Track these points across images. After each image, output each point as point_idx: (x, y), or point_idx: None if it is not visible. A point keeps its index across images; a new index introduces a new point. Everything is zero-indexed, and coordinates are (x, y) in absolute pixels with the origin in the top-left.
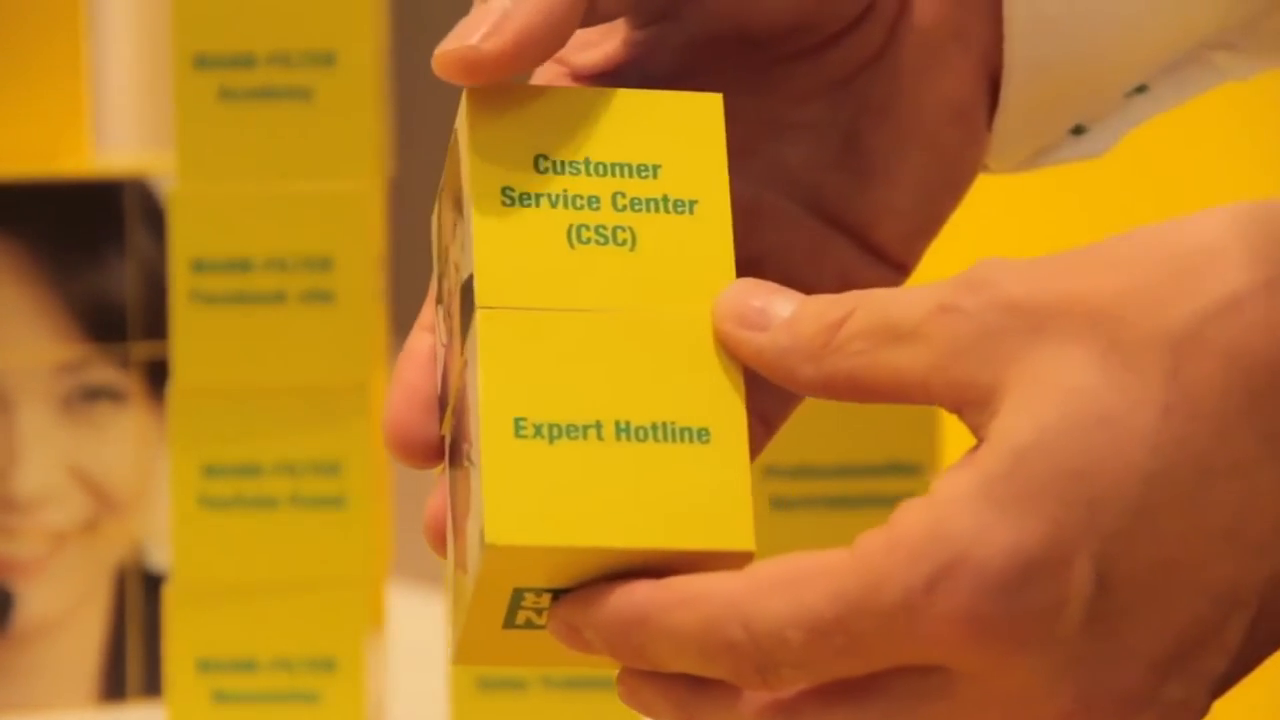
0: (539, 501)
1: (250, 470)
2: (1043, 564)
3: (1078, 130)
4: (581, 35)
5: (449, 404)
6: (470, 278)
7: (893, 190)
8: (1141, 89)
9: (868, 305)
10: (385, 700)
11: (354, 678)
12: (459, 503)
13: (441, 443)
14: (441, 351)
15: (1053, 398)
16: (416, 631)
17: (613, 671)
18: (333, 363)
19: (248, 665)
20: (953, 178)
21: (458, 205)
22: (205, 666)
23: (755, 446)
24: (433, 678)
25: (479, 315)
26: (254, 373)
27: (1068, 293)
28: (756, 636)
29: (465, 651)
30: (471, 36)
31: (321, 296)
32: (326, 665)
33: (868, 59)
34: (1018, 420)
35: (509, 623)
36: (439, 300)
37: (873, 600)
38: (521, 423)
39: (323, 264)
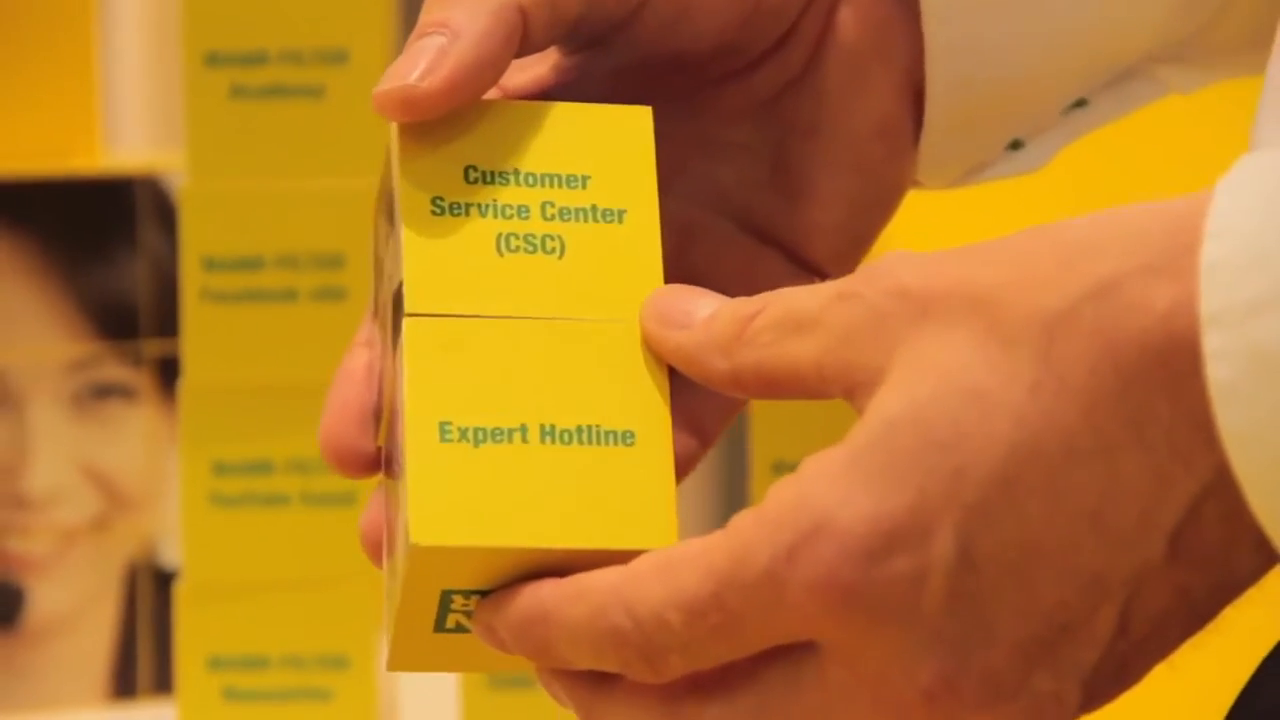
0: (463, 503)
1: (261, 467)
2: (906, 532)
3: (1015, 145)
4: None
5: (384, 415)
6: (400, 286)
7: (821, 208)
8: (1081, 103)
9: (778, 300)
10: (397, 697)
11: (365, 675)
12: (393, 511)
13: (378, 454)
14: (378, 364)
15: (928, 376)
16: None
17: None
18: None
19: (259, 662)
20: (880, 195)
21: (390, 216)
22: (216, 664)
23: (690, 458)
24: (444, 675)
25: (406, 322)
26: (265, 370)
27: (955, 279)
28: (640, 621)
29: (398, 656)
30: (408, 75)
31: (333, 294)
32: (338, 662)
33: (792, 79)
34: (891, 396)
35: (439, 626)
36: (375, 313)
37: (740, 573)
38: (447, 427)
39: (334, 261)
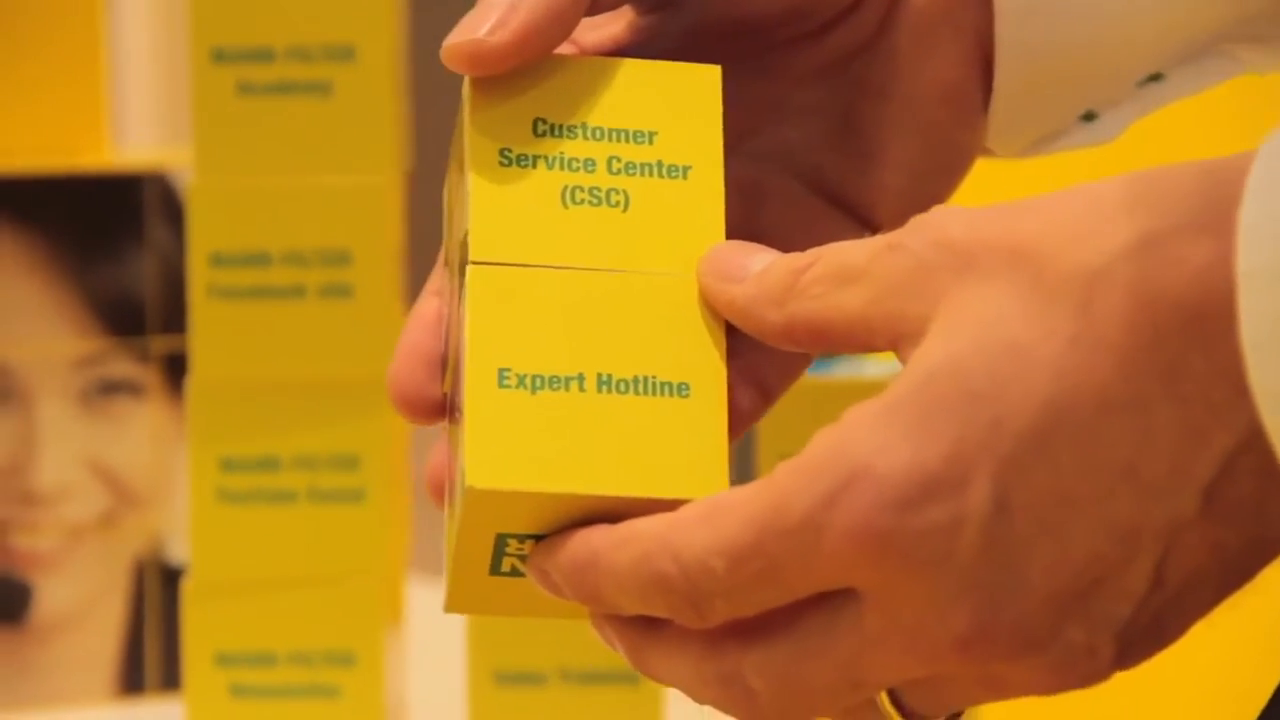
0: (519, 449)
1: (269, 464)
2: (942, 481)
3: (1088, 116)
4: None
5: (450, 362)
6: (466, 234)
7: (888, 170)
8: (1156, 77)
9: (829, 253)
10: (404, 694)
11: (373, 671)
12: (453, 456)
13: (443, 400)
14: (446, 312)
15: (969, 327)
16: (435, 625)
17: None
18: (351, 356)
19: (266, 659)
20: (947, 160)
21: (460, 165)
22: (224, 660)
23: (753, 412)
24: (452, 671)
25: (470, 270)
26: (272, 367)
27: (999, 232)
28: (685, 567)
29: (455, 598)
30: (478, 30)
31: (340, 290)
32: (345, 659)
33: (863, 43)
34: (933, 346)
35: (495, 569)
36: (445, 263)
37: (780, 520)
38: (505, 373)
39: (341, 258)
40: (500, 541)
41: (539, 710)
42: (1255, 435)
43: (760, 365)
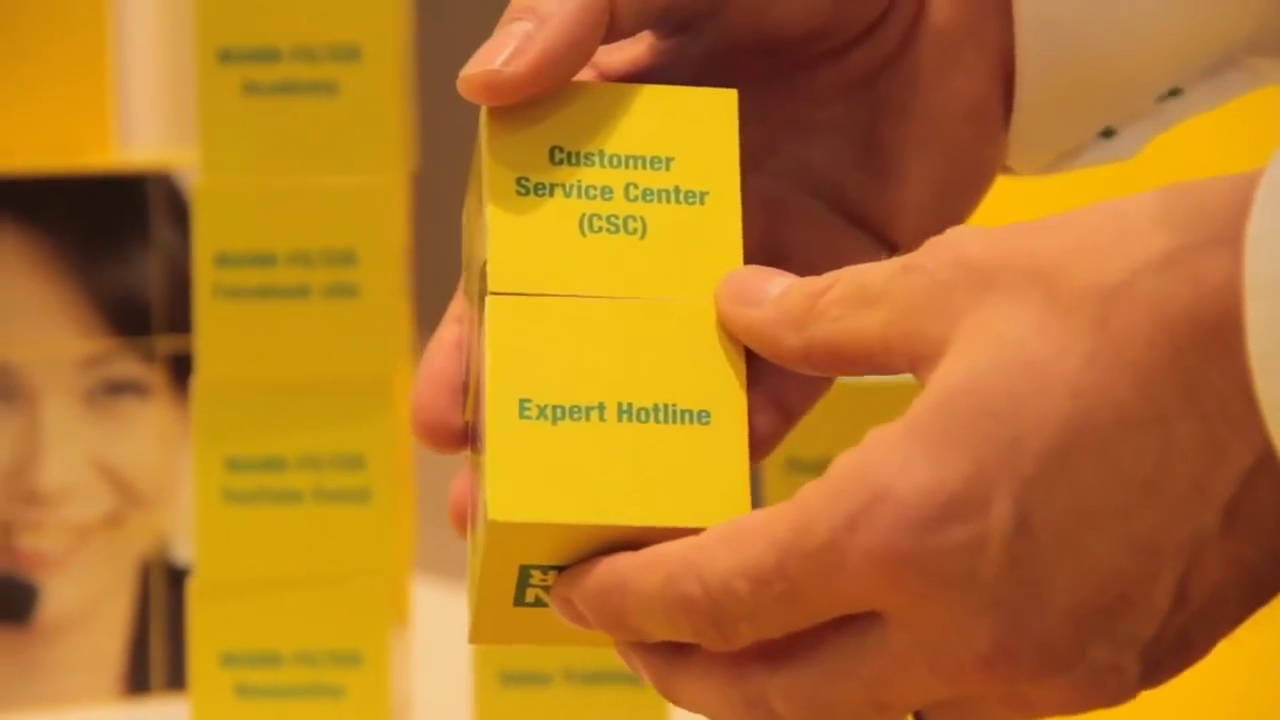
0: (541, 480)
1: (274, 464)
2: (963, 501)
3: (1107, 133)
4: None
5: (470, 391)
6: (484, 264)
7: (910, 189)
8: (1175, 92)
9: (847, 275)
10: (410, 694)
11: (378, 672)
12: (475, 486)
13: (465, 428)
14: (467, 340)
15: (988, 347)
16: (441, 625)
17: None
18: (356, 357)
19: (272, 659)
20: (969, 177)
21: (479, 194)
22: (229, 660)
23: (774, 435)
24: (457, 671)
25: (489, 301)
26: (278, 367)
27: (1017, 251)
28: (710, 590)
29: (480, 630)
30: (494, 60)
31: (345, 290)
32: (351, 659)
33: (885, 61)
34: (952, 366)
35: (519, 600)
36: (465, 292)
37: (803, 542)
38: (526, 404)
39: (346, 258)
40: (524, 573)
41: (544, 710)
42: (1269, 451)
43: (781, 388)
